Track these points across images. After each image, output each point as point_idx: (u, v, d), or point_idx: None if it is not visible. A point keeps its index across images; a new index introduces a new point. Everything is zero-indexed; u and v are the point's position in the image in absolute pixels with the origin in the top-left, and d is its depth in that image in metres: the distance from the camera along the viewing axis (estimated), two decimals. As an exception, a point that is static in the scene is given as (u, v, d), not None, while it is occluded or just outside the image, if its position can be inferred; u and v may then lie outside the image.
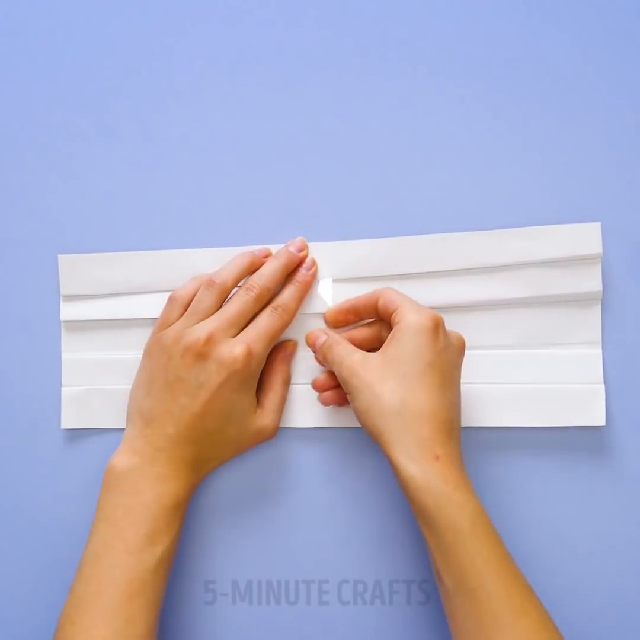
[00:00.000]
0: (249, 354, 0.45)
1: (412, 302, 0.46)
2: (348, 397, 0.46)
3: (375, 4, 0.51)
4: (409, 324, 0.44)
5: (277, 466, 0.51)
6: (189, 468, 0.47)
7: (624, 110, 0.50)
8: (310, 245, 0.50)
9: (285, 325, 0.48)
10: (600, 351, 0.49)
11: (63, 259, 0.51)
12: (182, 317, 0.47)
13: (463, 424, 0.48)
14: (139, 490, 0.45)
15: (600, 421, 0.49)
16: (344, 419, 0.50)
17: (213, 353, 0.45)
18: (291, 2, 0.51)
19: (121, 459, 0.46)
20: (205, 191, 0.51)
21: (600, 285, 0.48)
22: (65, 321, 0.52)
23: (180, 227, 0.51)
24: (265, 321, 0.47)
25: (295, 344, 0.50)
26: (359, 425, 0.49)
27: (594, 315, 0.49)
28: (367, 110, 0.51)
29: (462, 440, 0.45)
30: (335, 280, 0.50)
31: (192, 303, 0.48)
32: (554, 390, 0.49)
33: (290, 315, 0.48)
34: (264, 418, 0.48)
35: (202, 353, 0.45)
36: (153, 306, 0.50)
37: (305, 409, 0.50)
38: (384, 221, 0.50)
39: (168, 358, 0.46)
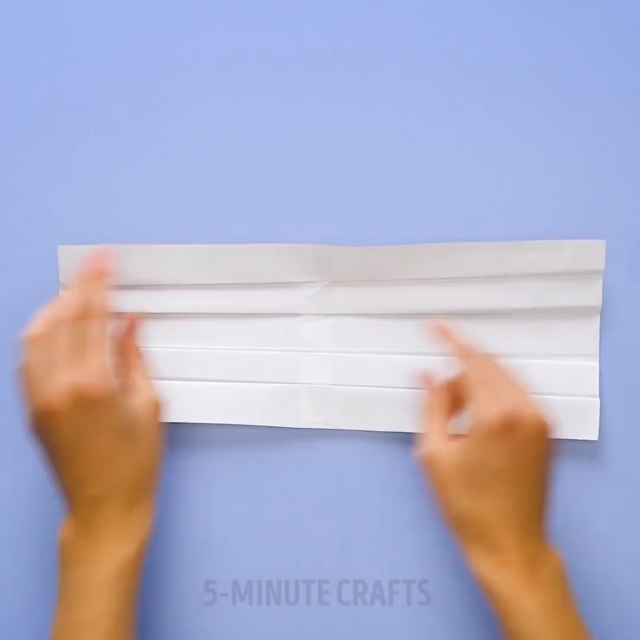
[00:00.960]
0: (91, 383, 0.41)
1: (485, 392, 0.43)
2: None
3: (375, 5, 0.51)
4: (479, 429, 0.42)
5: (277, 466, 0.51)
6: (133, 515, 0.42)
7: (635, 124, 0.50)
8: (314, 247, 0.50)
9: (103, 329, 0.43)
10: (597, 364, 0.49)
11: (62, 249, 0.51)
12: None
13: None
14: (85, 563, 0.41)
15: (594, 435, 0.48)
16: (344, 420, 0.50)
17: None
18: (291, 4, 0.51)
19: (67, 531, 0.42)
20: (205, 191, 0.51)
21: (600, 299, 0.49)
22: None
23: (180, 227, 0.51)
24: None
25: (135, 316, 0.49)
26: (358, 427, 0.50)
27: (593, 328, 0.49)
28: (368, 115, 0.51)
29: None
30: (335, 282, 0.50)
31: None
32: (549, 402, 0.48)
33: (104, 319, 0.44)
34: (144, 395, 0.45)
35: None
36: (151, 300, 0.50)
37: (304, 409, 0.51)
38: (388, 229, 0.50)
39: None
